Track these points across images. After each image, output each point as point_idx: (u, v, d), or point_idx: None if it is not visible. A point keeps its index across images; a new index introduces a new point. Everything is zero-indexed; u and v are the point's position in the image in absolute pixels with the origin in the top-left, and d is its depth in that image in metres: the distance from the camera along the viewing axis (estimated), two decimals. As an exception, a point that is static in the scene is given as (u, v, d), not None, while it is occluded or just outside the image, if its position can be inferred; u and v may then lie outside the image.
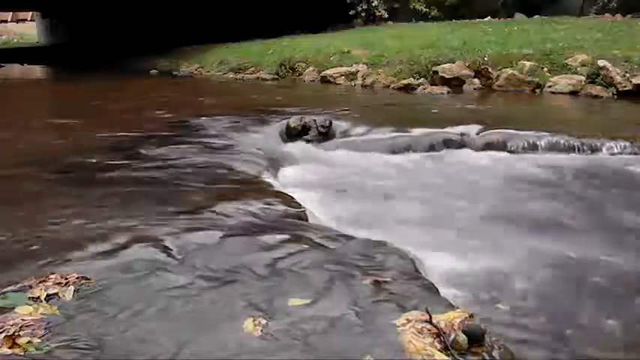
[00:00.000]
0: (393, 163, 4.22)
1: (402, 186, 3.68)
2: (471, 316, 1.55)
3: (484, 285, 2.27)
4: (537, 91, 7.38)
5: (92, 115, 5.93)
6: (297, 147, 4.56)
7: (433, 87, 7.78)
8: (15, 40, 32.34)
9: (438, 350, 1.41)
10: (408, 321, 1.53)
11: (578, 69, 7.37)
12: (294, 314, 1.60)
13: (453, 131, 4.64)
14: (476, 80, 7.86)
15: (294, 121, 4.85)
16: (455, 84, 7.81)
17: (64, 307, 1.61)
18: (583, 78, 7.15)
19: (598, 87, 6.94)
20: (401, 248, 2.15)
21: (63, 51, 21.48)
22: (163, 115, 5.49)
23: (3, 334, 1.44)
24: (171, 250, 2.05)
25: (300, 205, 2.74)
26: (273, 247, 2.10)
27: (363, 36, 11.10)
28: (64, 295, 1.67)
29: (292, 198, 2.84)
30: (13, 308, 1.57)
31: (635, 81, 6.76)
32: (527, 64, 7.66)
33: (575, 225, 2.99)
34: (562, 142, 4.30)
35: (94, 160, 3.60)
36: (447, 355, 1.40)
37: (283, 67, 10.18)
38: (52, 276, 1.76)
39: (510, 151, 4.34)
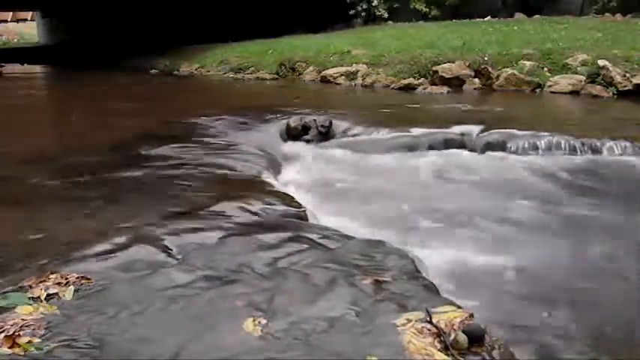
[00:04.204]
0: (392, 163, 4.22)
1: (402, 186, 3.67)
2: (471, 315, 1.55)
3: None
4: (537, 90, 7.38)
5: (89, 115, 5.93)
6: (297, 147, 4.56)
7: (433, 87, 7.77)
8: (15, 40, 32.36)
9: (438, 350, 1.41)
10: (408, 321, 1.53)
11: (579, 69, 7.36)
12: (295, 314, 1.60)
13: (453, 131, 4.63)
14: (476, 80, 7.86)
15: (294, 121, 4.84)
16: (455, 84, 7.80)
17: (64, 307, 1.61)
18: (583, 78, 7.14)
19: (598, 87, 6.92)
20: (401, 248, 2.15)
21: (63, 51, 21.51)
22: (163, 115, 5.49)
23: (3, 334, 1.44)
24: (171, 250, 2.05)
25: (300, 204, 2.74)
26: (274, 246, 2.10)
27: (363, 36, 11.08)
28: (64, 295, 1.67)
29: (292, 198, 2.84)
30: (14, 308, 1.57)
31: (635, 81, 6.75)
32: (528, 63, 7.65)
33: (573, 226, 2.99)
34: (562, 142, 4.29)
35: (93, 160, 3.60)
36: (447, 355, 1.40)
37: (283, 67, 10.17)
38: (52, 276, 1.76)
39: (510, 152, 4.33)
